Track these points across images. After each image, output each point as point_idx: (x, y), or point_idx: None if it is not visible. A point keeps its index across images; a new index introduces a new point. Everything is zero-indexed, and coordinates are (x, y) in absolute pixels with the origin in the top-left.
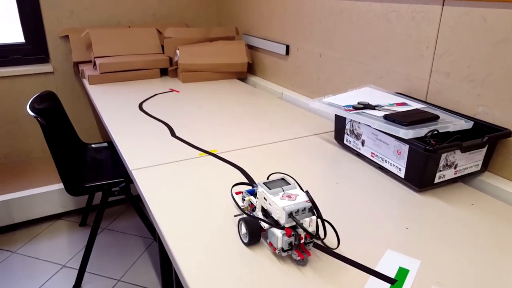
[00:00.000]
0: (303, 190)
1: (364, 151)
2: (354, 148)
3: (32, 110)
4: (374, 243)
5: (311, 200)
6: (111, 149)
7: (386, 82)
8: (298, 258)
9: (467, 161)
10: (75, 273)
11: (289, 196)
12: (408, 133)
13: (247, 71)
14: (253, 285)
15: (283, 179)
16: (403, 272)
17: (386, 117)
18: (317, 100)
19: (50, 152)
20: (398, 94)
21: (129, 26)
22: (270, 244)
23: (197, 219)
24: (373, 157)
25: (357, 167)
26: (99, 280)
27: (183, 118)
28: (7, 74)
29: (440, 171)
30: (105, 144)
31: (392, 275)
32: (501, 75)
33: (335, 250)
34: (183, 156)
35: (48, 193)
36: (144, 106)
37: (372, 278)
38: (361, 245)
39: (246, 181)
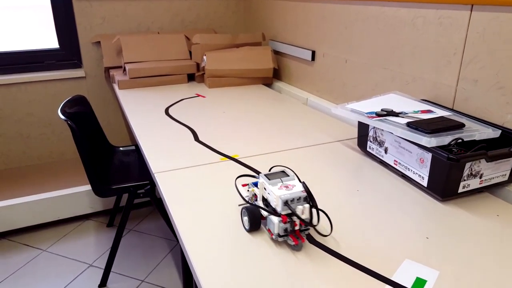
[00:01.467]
0: (300, 182)
1: (387, 158)
2: (377, 156)
3: (63, 114)
4: (393, 251)
5: (306, 190)
6: (138, 152)
7: (412, 88)
8: (293, 243)
9: (494, 170)
10: (101, 273)
11: (286, 187)
12: (431, 141)
13: (273, 77)
14: (252, 267)
15: (283, 171)
16: (420, 283)
17: (409, 124)
18: (340, 106)
19: (79, 154)
20: (424, 101)
21: (158, 33)
22: (269, 230)
23: (213, 222)
24: (396, 165)
25: (379, 175)
26: (124, 280)
27: (207, 123)
28: (42, 79)
29: (464, 180)
30: (133, 147)
31: (408, 285)
32: None
33: (344, 255)
34: (205, 161)
35: (77, 194)
36: (170, 111)
37: (388, 287)
38: (379, 253)
39: (251, 173)
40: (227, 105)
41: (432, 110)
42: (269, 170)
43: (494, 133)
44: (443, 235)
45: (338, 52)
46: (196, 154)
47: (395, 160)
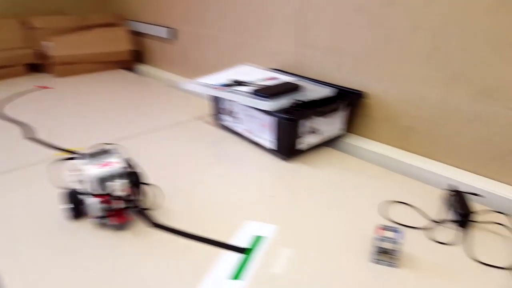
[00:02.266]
0: (125, 158)
1: (239, 128)
2: (231, 127)
3: None
4: (236, 216)
5: (130, 165)
6: None
7: (264, 59)
8: (115, 223)
9: (329, 126)
10: None
11: (106, 164)
12: (271, 104)
13: (134, 60)
14: (72, 260)
15: (106, 150)
16: (257, 240)
17: (252, 92)
18: (191, 81)
19: None
20: (273, 70)
21: None
22: (90, 215)
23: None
24: (247, 133)
25: (232, 146)
26: None
27: (52, 117)
28: None
29: (304, 138)
30: None
31: (246, 245)
32: (357, 44)
33: (180, 228)
34: (33, 160)
35: None
36: (6, 109)
37: (224, 251)
38: (222, 220)
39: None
40: (80, 95)
41: (277, 77)
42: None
43: (331, 92)
44: (286, 191)
45: (198, 28)
46: (24, 153)
47: (246, 129)
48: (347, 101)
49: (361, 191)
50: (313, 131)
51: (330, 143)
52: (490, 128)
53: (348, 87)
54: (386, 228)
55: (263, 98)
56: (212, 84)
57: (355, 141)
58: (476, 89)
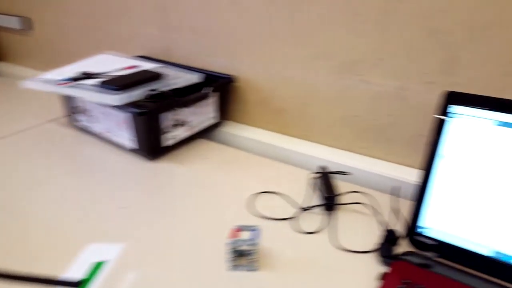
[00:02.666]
0: None
1: (96, 129)
2: (88, 128)
3: None
4: (72, 240)
5: None
6: None
7: (129, 46)
8: None
9: (199, 116)
10: None
11: None
12: (120, 98)
13: None
14: None
15: None
16: (96, 267)
17: (98, 85)
18: (33, 78)
19: None
20: (139, 58)
21: None
22: None
23: None
24: (106, 133)
25: (87, 149)
26: None
27: None
28: None
29: (170, 132)
30: None
31: (82, 275)
32: (222, 24)
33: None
34: None
35: None
36: None
37: None
38: (52, 248)
39: None
40: None
41: (139, 65)
42: None
43: (198, 78)
44: (145, 198)
45: (56, 16)
46: None
47: (104, 129)
48: (216, 87)
49: (232, 186)
50: (180, 124)
51: (204, 134)
52: (355, 104)
53: (219, 71)
54: (242, 228)
55: (111, 91)
56: (56, 79)
57: (232, 129)
58: (336, 64)
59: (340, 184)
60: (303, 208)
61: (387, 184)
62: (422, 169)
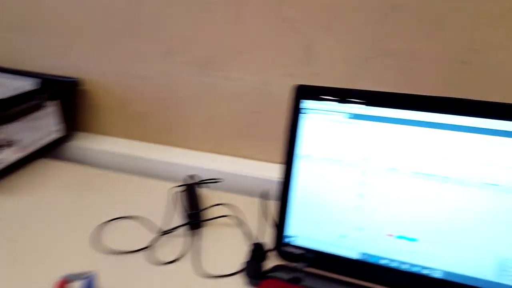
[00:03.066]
0: None
1: None
2: None
3: None
4: None
5: None
6: None
7: None
8: None
9: (35, 131)
10: None
11: None
12: None
13: None
14: None
15: None
16: None
17: None
18: None
19: None
20: None
21: None
22: None
23: None
24: None
25: None
26: None
27: None
28: None
29: None
30: None
31: None
32: (61, 20)
33: None
34: None
35: None
36: None
37: None
38: None
39: None
40: None
41: None
42: None
43: (32, 84)
44: None
45: None
46: None
47: None
48: (54, 93)
49: (77, 217)
50: (6, 144)
51: (46, 152)
52: (220, 102)
53: (60, 74)
54: (69, 279)
55: None
56: None
57: (83, 142)
58: (194, 60)
59: (211, 194)
60: (163, 231)
61: (260, 186)
62: (281, 173)
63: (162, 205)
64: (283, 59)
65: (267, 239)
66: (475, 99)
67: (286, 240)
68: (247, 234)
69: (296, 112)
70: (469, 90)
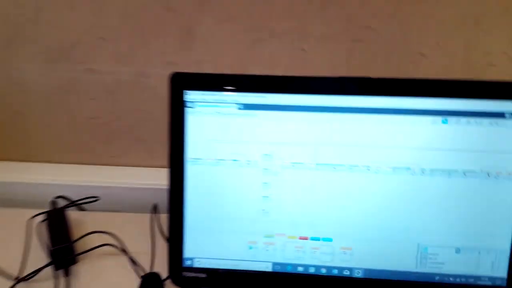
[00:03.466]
0: None
1: None
2: None
3: None
4: None
5: None
6: None
7: None
8: None
9: None
10: None
11: None
12: None
13: None
14: None
15: None
16: None
17: None
18: None
19: None
20: None
21: None
22: None
23: None
24: None
25: None
26: None
27: None
28: None
29: None
30: None
31: None
32: None
33: None
34: None
35: None
36: None
37: None
38: None
39: None
40: None
41: None
42: None
43: None
44: None
45: None
46: None
47: None
48: None
49: None
50: None
51: None
52: (87, 101)
53: None
54: None
55: None
56: None
57: None
58: (46, 50)
59: (86, 218)
60: (22, 277)
61: (150, 199)
62: (168, 183)
63: (18, 241)
64: (160, 45)
65: (163, 265)
66: (374, 76)
67: (186, 263)
68: (137, 263)
69: (177, 106)
70: (364, 69)
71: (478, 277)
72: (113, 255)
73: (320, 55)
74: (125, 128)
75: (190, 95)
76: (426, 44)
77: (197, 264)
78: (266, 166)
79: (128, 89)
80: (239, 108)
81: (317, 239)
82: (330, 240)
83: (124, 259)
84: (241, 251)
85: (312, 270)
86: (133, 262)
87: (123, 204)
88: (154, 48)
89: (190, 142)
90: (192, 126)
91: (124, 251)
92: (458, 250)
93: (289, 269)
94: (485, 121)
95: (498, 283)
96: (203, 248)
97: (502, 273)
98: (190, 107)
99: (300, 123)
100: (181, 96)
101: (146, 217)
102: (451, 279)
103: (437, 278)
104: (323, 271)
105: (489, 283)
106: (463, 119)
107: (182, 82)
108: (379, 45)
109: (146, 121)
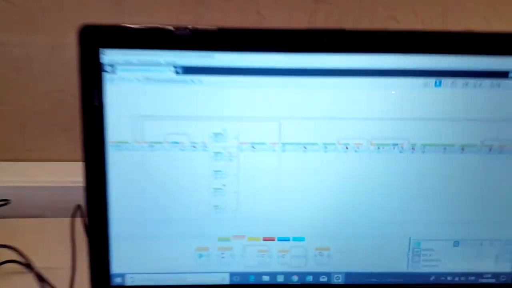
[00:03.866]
0: None
1: None
2: None
3: None
4: None
5: None
6: None
7: None
8: None
9: None
10: None
11: None
12: None
13: None
14: None
15: None
16: None
17: None
18: None
19: None
20: None
21: None
22: None
23: None
24: None
25: None
26: None
27: None
28: None
29: None
30: None
31: None
32: None
33: None
34: None
35: None
36: None
37: None
38: None
39: None
40: None
41: None
42: None
43: None
44: None
45: None
46: None
47: None
48: None
49: None
50: None
51: None
52: None
53: None
54: None
55: None
56: None
57: None
58: None
59: None
60: None
61: (73, 199)
62: (84, 177)
63: None
64: (79, 6)
65: (87, 283)
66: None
67: (115, 281)
68: (49, 283)
69: (91, 71)
70: None
71: (479, 274)
72: (22, 274)
73: (278, 18)
74: (41, 114)
75: (109, 55)
76: (400, 8)
77: (130, 281)
78: (217, 149)
79: (42, 65)
80: (177, 72)
81: (286, 239)
82: (302, 239)
83: (34, 280)
84: (188, 261)
85: (280, 279)
86: (43, 280)
87: (39, 207)
88: (71, 11)
89: (110, 120)
90: (112, 98)
91: (30, 267)
92: (456, 243)
93: (251, 280)
94: (486, 82)
95: (502, 279)
96: (137, 261)
97: (507, 267)
98: (109, 71)
99: (260, 91)
100: (96, 56)
101: (66, 223)
102: (448, 278)
103: (432, 278)
104: (295, 279)
105: (492, 280)
106: (460, 81)
107: (97, 38)
108: (346, 7)
109: (67, 105)
